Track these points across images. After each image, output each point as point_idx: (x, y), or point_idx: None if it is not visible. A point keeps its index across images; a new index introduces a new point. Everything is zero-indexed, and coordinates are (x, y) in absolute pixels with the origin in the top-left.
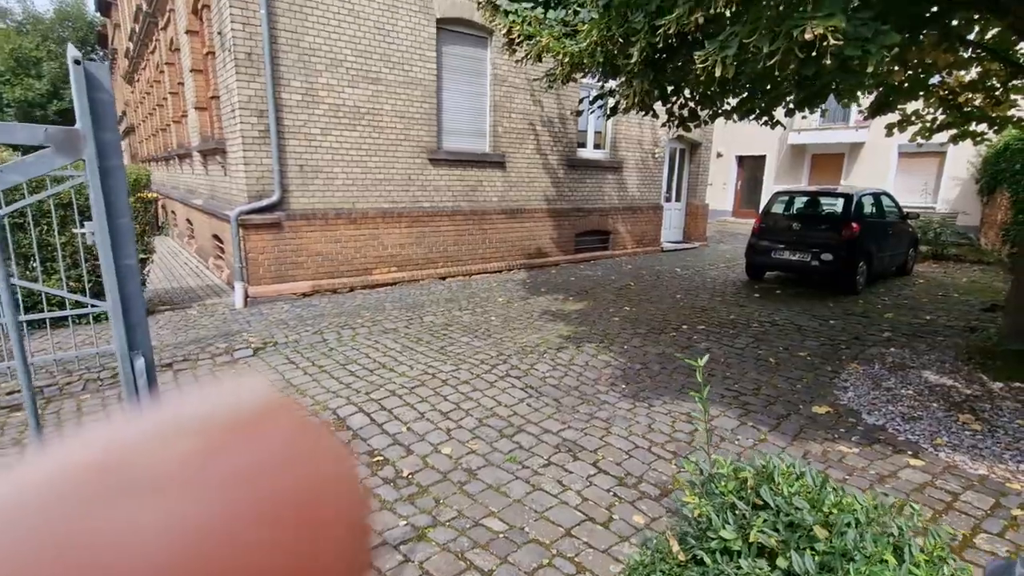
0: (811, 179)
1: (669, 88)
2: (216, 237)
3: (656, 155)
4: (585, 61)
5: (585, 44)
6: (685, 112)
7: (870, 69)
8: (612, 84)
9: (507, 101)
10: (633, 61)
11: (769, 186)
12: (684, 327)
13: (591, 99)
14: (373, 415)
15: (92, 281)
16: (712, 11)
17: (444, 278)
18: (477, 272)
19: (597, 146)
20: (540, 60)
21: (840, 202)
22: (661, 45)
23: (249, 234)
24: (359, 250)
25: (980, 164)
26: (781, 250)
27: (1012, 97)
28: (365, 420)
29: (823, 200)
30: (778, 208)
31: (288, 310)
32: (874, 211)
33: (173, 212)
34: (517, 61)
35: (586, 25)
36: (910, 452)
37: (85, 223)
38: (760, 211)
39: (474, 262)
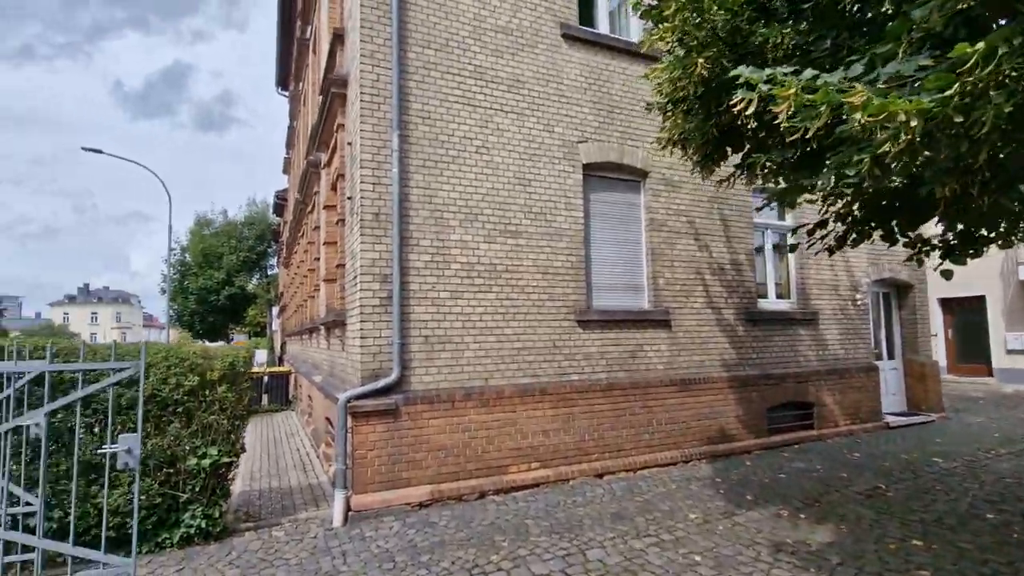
0: None
1: None
2: (329, 421)
3: (857, 302)
4: (955, 122)
5: (986, 72)
6: (950, 238)
7: None
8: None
9: (668, 248)
10: None
11: (998, 335)
12: None
13: (809, 229)
14: None
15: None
16: None
17: (601, 475)
18: (644, 465)
19: (780, 296)
20: (790, 206)
21: None
22: None
23: (359, 425)
24: (492, 441)
25: None
26: None
27: None
28: None
29: None
30: None
31: (398, 533)
32: None
33: (300, 386)
34: (721, 181)
35: (980, 45)
36: None
37: (121, 437)
38: None
39: (639, 451)
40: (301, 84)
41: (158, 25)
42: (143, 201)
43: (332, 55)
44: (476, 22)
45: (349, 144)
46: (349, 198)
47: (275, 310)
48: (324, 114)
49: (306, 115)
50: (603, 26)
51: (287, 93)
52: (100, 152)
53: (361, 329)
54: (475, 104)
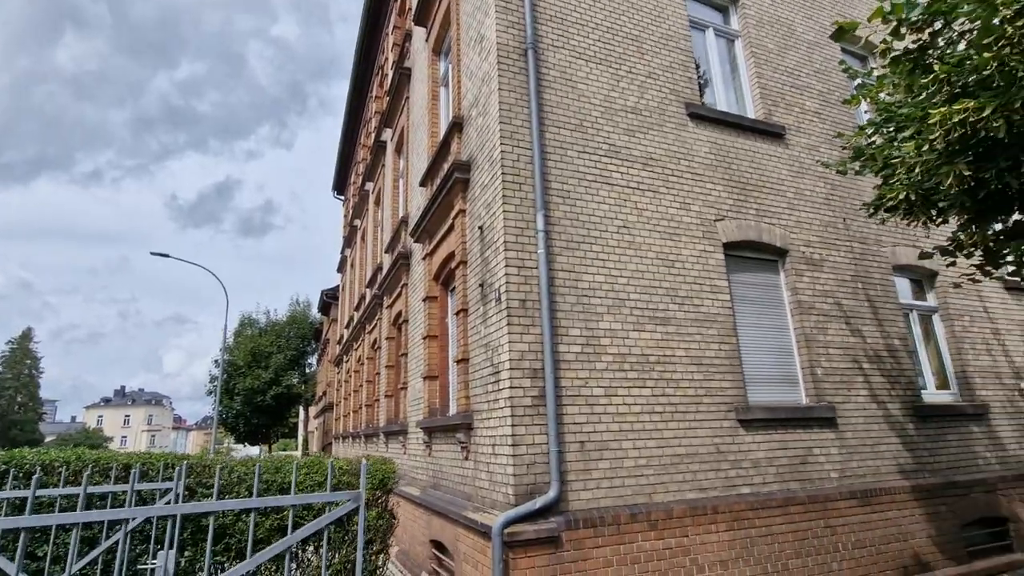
0: None
1: None
2: (436, 545)
3: None
4: None
5: None
6: None
7: None
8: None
9: (819, 334)
10: None
11: None
12: None
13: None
14: None
15: None
16: None
17: None
18: None
19: (939, 387)
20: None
21: None
22: None
23: (518, 558)
24: (664, 575)
25: None
26: None
27: None
28: None
29: None
30: None
31: None
32: None
33: None
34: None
35: None
36: None
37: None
38: None
39: None
40: (374, 184)
41: (216, 147)
42: (183, 305)
43: (446, 144)
44: (606, 103)
45: (480, 228)
46: (481, 285)
47: (311, 410)
48: (436, 202)
49: (378, 212)
50: (723, 104)
51: (343, 197)
52: (167, 256)
53: (513, 435)
54: (612, 183)
